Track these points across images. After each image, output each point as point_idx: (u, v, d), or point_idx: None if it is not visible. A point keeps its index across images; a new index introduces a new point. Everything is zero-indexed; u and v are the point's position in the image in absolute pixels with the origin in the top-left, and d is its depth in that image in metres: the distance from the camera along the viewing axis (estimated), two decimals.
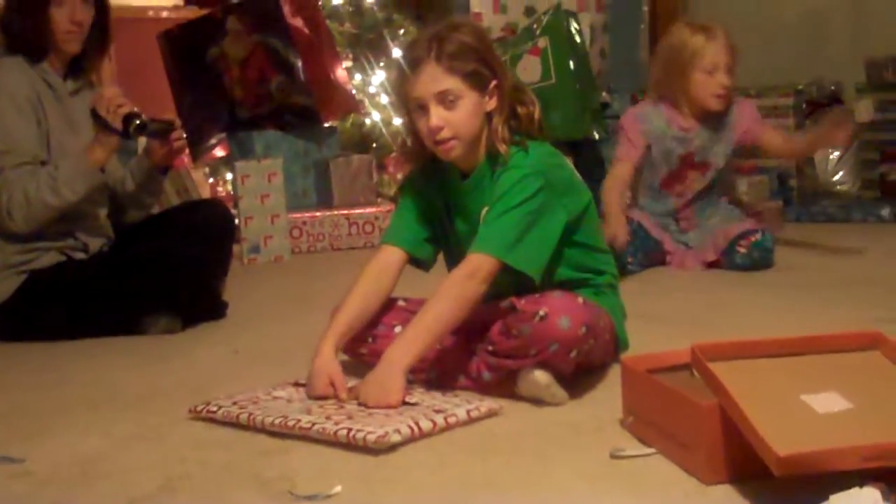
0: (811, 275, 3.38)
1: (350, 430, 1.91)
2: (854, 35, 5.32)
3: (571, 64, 5.00)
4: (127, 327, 3.04)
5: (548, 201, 2.22)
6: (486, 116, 2.26)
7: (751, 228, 3.63)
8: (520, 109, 2.30)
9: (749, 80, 5.30)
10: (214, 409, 2.14)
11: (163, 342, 2.94)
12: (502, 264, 2.17)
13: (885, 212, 4.67)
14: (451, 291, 2.18)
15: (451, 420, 2.00)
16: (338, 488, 1.72)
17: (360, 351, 2.39)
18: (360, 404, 2.09)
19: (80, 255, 3.14)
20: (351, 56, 5.41)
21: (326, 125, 5.16)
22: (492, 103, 2.26)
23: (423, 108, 2.24)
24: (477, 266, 2.17)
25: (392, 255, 2.39)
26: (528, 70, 5.03)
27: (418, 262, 2.44)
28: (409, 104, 2.27)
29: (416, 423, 1.95)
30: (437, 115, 2.23)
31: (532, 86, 4.91)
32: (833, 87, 5.46)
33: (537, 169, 2.23)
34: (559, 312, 2.12)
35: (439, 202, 2.41)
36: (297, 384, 2.27)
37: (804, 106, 5.31)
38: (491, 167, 2.28)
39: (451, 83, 2.21)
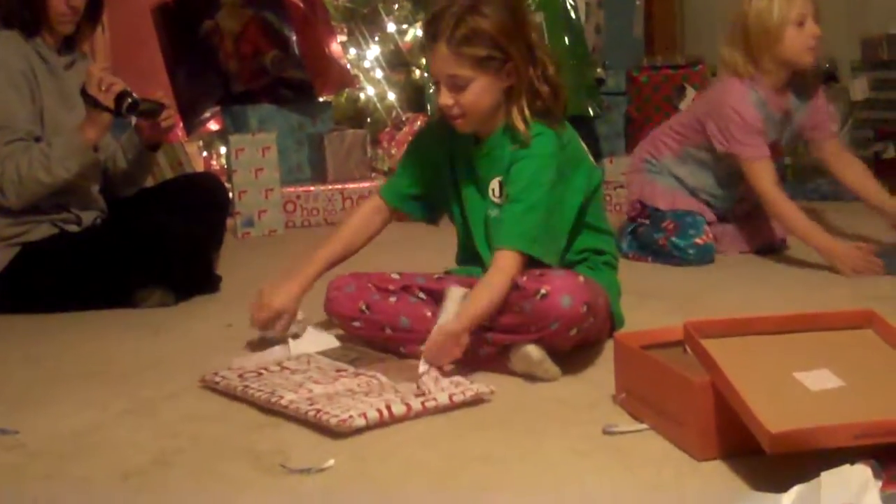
0: (804, 253, 3.38)
1: (319, 411, 1.91)
2: (850, 13, 5.30)
3: (566, 39, 4.99)
4: (120, 300, 3.04)
5: (564, 189, 2.25)
6: (505, 91, 2.25)
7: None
8: (545, 89, 2.27)
9: None
10: (219, 379, 2.15)
11: (156, 315, 2.94)
12: (528, 256, 2.20)
13: None
14: (493, 294, 2.17)
15: (430, 405, 1.98)
16: (331, 462, 1.72)
17: (355, 325, 2.39)
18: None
19: (73, 228, 3.13)
20: (346, 30, 5.38)
21: (321, 99, 5.15)
22: (509, 81, 2.24)
23: (437, 83, 2.26)
24: (513, 263, 2.19)
25: (379, 206, 2.50)
26: None
27: (408, 215, 2.53)
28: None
29: (388, 408, 1.93)
30: (445, 94, 2.24)
31: None
32: (828, 66, 5.45)
33: (553, 161, 2.25)
34: (561, 291, 2.13)
35: (445, 159, 2.42)
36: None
37: None
38: (508, 140, 2.28)
39: (460, 69, 2.21)
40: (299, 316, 2.44)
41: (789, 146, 3.63)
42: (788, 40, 3.27)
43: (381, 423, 1.91)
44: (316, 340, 2.40)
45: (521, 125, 2.25)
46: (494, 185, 2.32)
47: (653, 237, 3.42)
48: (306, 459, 1.74)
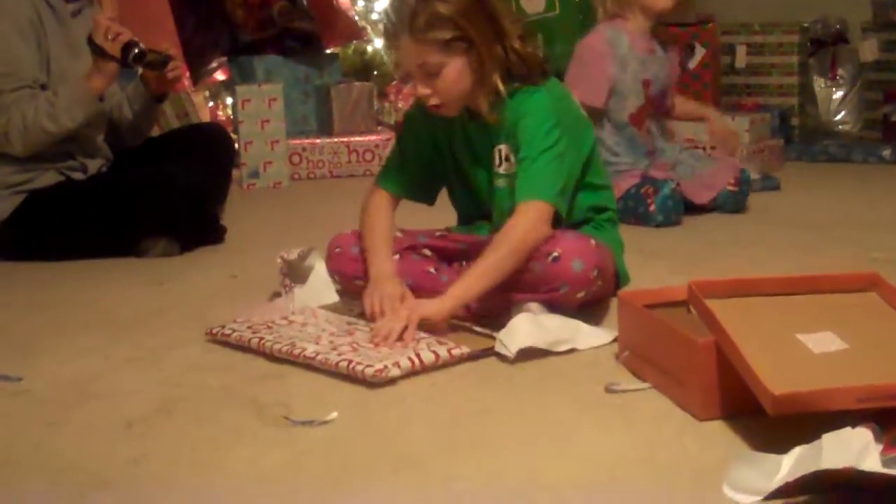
0: (809, 215, 3.37)
1: (350, 361, 1.91)
2: None
3: None
4: (125, 249, 3.04)
5: (569, 144, 2.23)
6: (481, 66, 2.21)
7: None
8: (518, 50, 2.24)
9: (754, 16, 5.27)
10: (229, 332, 2.15)
11: (161, 265, 2.95)
12: (553, 209, 2.17)
13: (887, 153, 4.65)
14: (513, 242, 2.13)
15: (455, 352, 1.99)
16: (334, 414, 1.73)
17: (357, 283, 2.39)
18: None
19: (78, 176, 3.13)
20: None
21: (328, 51, 5.13)
22: (480, 57, 2.20)
23: (411, 75, 2.26)
24: (536, 213, 2.16)
25: (384, 198, 2.41)
26: (533, 1, 4.99)
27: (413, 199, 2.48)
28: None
29: (418, 355, 1.95)
30: (421, 84, 2.23)
31: (536, 16, 4.88)
32: (838, 26, 5.43)
33: (554, 115, 2.23)
34: (572, 255, 2.14)
35: (440, 140, 2.40)
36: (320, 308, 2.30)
37: (809, 44, 5.28)
38: (501, 108, 2.26)
39: (429, 56, 2.19)
40: (313, 258, 2.43)
41: (661, 95, 3.68)
42: None
43: (412, 372, 1.92)
44: (318, 293, 2.39)
45: (504, 93, 2.23)
46: (496, 154, 2.31)
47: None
48: (309, 412, 1.75)
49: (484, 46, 2.20)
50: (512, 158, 2.27)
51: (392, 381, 1.89)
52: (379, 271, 2.26)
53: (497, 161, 2.31)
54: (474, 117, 2.31)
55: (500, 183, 2.32)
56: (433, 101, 2.24)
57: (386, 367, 1.88)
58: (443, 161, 2.42)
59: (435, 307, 2.11)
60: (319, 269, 2.41)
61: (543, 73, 2.29)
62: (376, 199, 2.41)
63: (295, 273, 2.40)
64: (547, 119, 2.22)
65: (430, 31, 2.16)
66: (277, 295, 2.41)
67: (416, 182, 2.44)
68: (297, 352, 2.00)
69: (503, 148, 2.29)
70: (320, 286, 2.39)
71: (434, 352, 1.97)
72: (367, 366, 1.89)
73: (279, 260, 2.40)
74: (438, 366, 1.96)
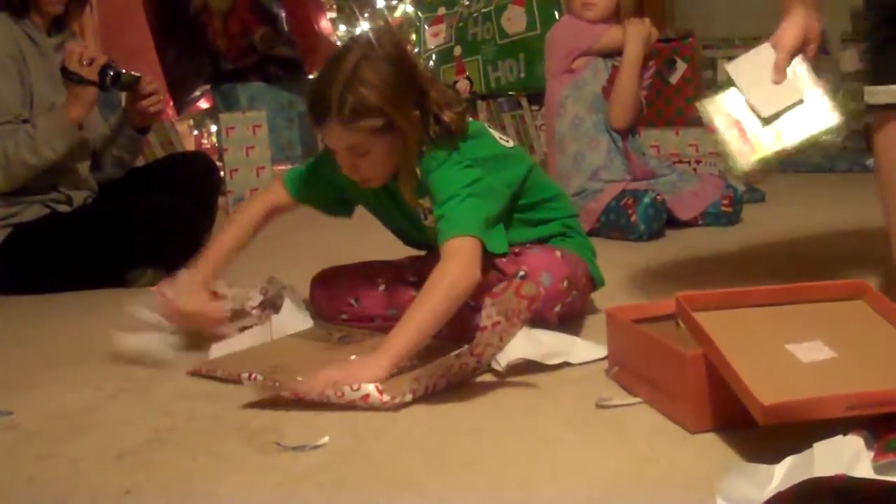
0: (795, 225, 3.38)
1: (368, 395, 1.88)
2: None
3: (556, 14, 4.98)
4: (112, 280, 3.04)
5: (487, 178, 2.17)
6: (406, 137, 2.15)
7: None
8: (447, 116, 2.17)
9: (733, 30, 5.30)
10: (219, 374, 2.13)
11: (148, 295, 2.93)
12: (482, 243, 2.08)
13: (871, 162, 4.64)
14: (444, 289, 2.02)
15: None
16: (325, 439, 1.73)
17: (341, 316, 2.39)
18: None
19: (64, 208, 3.13)
20: (335, 7, 5.37)
21: (311, 77, 5.14)
22: (407, 133, 2.14)
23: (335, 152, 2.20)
24: (463, 253, 2.04)
25: (278, 196, 2.42)
26: (513, 20, 5.01)
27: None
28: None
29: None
30: (347, 165, 2.19)
31: (517, 36, 4.90)
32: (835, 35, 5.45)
33: (462, 157, 2.17)
34: (539, 269, 2.14)
35: (365, 191, 2.33)
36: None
37: None
38: (421, 169, 2.20)
39: (358, 139, 2.12)
40: (276, 286, 2.44)
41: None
42: None
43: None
44: (293, 320, 2.38)
45: (418, 166, 2.18)
46: (420, 211, 2.27)
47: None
48: (301, 437, 1.75)
49: (410, 128, 2.13)
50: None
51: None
52: (203, 260, 2.33)
53: (422, 216, 2.29)
54: (395, 177, 2.24)
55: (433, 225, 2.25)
56: (357, 178, 2.21)
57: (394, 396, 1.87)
58: (368, 203, 2.40)
59: (372, 372, 1.93)
60: (293, 297, 2.41)
61: (463, 131, 2.21)
62: (268, 193, 2.42)
63: (271, 303, 2.41)
64: (455, 164, 2.16)
65: (359, 119, 2.09)
66: (248, 328, 2.40)
67: (326, 199, 2.43)
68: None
69: (426, 202, 2.24)
70: (295, 314, 2.39)
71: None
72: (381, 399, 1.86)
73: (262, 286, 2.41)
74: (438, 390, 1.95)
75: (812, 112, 2.07)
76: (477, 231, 2.07)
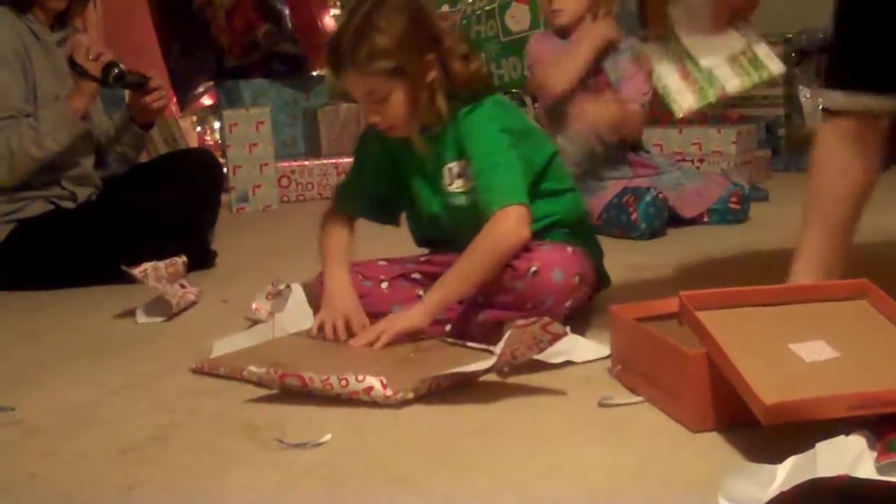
0: (798, 224, 3.37)
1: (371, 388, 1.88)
2: None
3: None
4: (115, 277, 3.03)
5: (521, 151, 2.23)
6: (428, 86, 2.22)
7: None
8: (462, 69, 2.24)
9: None
10: (222, 371, 2.12)
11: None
12: (528, 207, 2.16)
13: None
14: (489, 244, 2.13)
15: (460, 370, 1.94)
16: (327, 436, 1.72)
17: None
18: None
19: (67, 204, 3.13)
20: (338, 3, 5.37)
21: (314, 73, 5.14)
22: (426, 78, 2.21)
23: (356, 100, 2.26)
24: (513, 217, 2.13)
25: (341, 219, 2.44)
26: (517, 18, 5.00)
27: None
28: None
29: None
30: (369, 111, 2.24)
31: (521, 34, 4.89)
32: (822, 36, 5.43)
33: (499, 122, 2.23)
34: (551, 266, 2.14)
35: (392, 160, 2.40)
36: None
37: (794, 54, 5.29)
38: (447, 127, 2.26)
39: (374, 84, 2.18)
40: (281, 285, 2.44)
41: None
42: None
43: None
44: (296, 318, 2.39)
45: (442, 115, 2.23)
46: (446, 172, 2.30)
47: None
48: (303, 434, 1.75)
49: (426, 71, 2.20)
50: (467, 174, 2.27)
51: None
52: (334, 282, 2.30)
53: (447, 180, 2.30)
54: (421, 136, 2.29)
55: (458, 200, 2.30)
56: (382, 126, 2.25)
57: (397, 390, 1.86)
58: (401, 176, 2.41)
59: (410, 321, 2.13)
60: (297, 296, 2.41)
61: (488, 88, 2.30)
62: (334, 219, 2.44)
63: (277, 302, 2.41)
64: (494, 128, 2.22)
65: (372, 63, 2.15)
66: (256, 322, 2.41)
67: (374, 200, 2.45)
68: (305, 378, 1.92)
69: (454, 166, 2.28)
70: (298, 312, 2.39)
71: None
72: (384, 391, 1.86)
73: (268, 291, 2.42)
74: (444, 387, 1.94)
75: (752, 59, 2.10)
76: (523, 198, 2.16)
